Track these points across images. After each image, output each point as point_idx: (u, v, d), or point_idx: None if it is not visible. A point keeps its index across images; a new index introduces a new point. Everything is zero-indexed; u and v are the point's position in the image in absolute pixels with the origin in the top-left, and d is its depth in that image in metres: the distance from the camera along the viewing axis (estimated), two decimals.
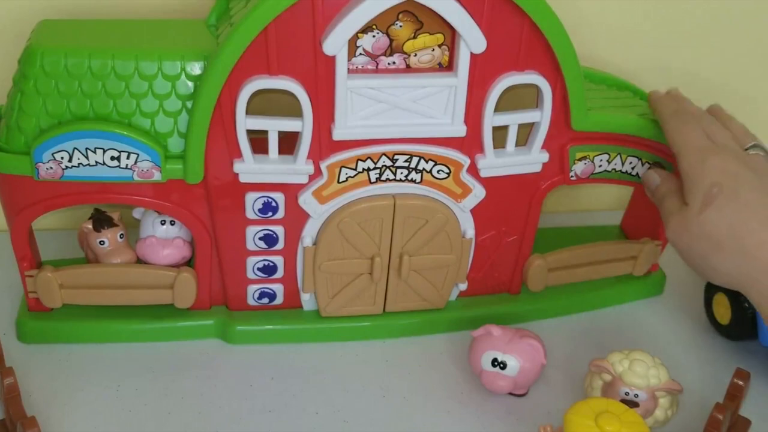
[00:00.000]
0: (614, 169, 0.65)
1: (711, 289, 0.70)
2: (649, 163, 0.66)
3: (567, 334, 0.69)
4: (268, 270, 0.64)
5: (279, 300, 0.66)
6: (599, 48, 0.77)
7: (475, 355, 0.61)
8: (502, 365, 0.60)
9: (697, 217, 0.56)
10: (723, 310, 0.68)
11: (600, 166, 0.65)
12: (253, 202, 0.60)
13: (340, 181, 0.59)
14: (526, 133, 0.62)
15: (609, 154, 0.64)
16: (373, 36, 0.56)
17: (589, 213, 0.84)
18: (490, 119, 0.59)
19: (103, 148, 0.56)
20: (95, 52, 0.55)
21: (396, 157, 0.59)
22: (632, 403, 0.57)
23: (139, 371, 0.63)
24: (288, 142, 0.58)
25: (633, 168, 0.66)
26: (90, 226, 0.64)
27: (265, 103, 0.58)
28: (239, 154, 0.58)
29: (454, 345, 0.66)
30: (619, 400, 0.55)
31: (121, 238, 0.64)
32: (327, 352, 0.65)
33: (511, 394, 0.62)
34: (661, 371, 0.58)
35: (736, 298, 0.67)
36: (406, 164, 0.60)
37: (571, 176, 0.64)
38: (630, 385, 0.58)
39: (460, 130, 0.59)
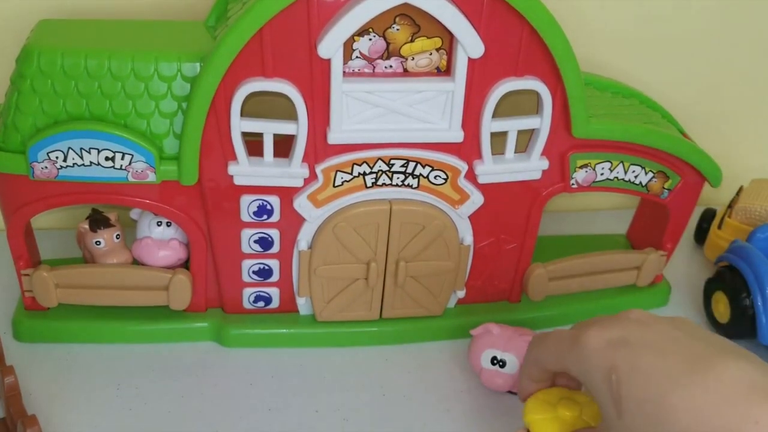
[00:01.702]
0: (616, 177, 0.64)
1: (710, 287, 0.70)
2: (653, 172, 0.65)
3: None
4: (264, 273, 0.63)
5: (275, 304, 0.65)
6: (601, 51, 0.76)
7: (475, 354, 0.61)
8: (501, 363, 0.60)
9: (621, 425, 0.42)
10: (722, 309, 0.68)
11: (602, 174, 0.64)
12: (248, 204, 0.60)
13: (336, 185, 0.59)
14: (526, 139, 0.61)
15: (611, 162, 0.63)
16: (370, 39, 0.55)
17: (594, 213, 0.83)
18: (488, 125, 0.58)
19: (97, 149, 0.56)
20: (92, 53, 0.55)
21: (392, 161, 0.59)
22: None
23: (139, 370, 0.63)
24: (284, 146, 0.58)
25: (636, 177, 0.65)
26: (86, 226, 0.64)
27: (261, 105, 0.58)
28: (234, 157, 0.57)
29: (454, 345, 0.66)
30: None
31: (117, 238, 0.64)
32: (327, 351, 0.65)
33: (510, 392, 0.62)
34: None
35: (736, 297, 0.66)
36: (403, 169, 0.59)
37: (572, 184, 0.63)
38: None
39: (457, 135, 0.58)
